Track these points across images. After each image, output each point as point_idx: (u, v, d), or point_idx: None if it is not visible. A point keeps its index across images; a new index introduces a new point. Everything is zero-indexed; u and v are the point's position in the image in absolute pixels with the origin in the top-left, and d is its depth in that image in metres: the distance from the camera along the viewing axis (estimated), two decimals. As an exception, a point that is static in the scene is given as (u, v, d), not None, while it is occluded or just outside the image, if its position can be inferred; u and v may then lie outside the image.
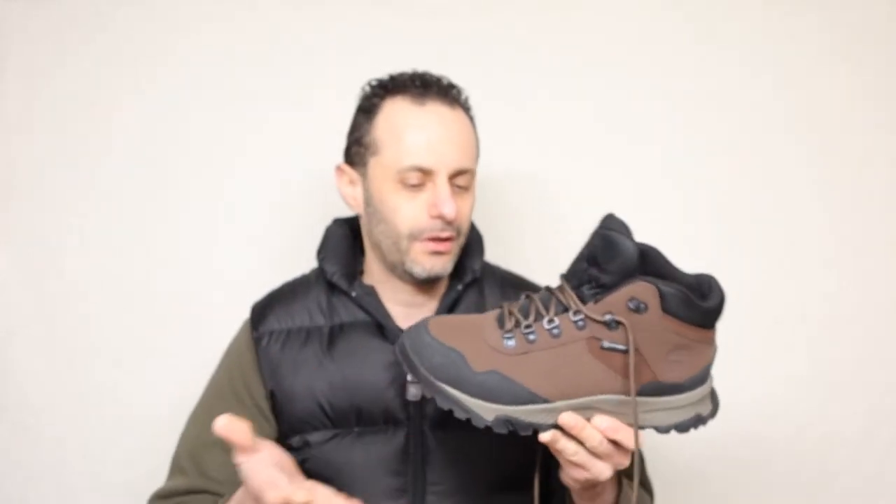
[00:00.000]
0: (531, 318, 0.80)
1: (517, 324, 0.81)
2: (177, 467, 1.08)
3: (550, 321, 0.79)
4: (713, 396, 0.85)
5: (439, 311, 1.08)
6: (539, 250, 1.38)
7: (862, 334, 1.41)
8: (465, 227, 1.05)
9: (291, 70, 1.39)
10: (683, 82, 1.41)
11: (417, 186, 1.01)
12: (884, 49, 1.41)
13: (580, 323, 0.79)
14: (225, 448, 1.04)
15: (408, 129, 1.01)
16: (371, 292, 1.08)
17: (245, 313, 1.14)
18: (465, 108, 1.07)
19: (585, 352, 0.79)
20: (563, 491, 0.97)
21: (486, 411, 0.79)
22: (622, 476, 0.97)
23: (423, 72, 1.07)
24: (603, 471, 0.83)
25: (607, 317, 0.78)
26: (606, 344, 0.78)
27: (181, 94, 1.39)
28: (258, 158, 1.39)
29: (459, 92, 1.07)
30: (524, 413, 0.79)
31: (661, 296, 0.77)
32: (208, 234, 1.39)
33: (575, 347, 0.79)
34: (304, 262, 1.18)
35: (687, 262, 1.39)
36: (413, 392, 1.02)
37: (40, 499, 1.37)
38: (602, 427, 0.80)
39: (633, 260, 0.77)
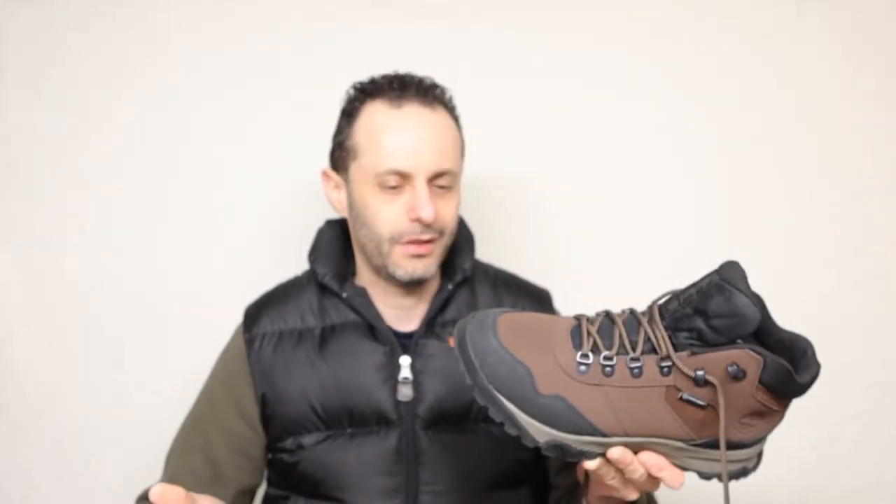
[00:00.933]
0: (614, 348, 0.74)
1: (595, 348, 0.75)
2: (165, 467, 1.10)
3: (634, 360, 0.74)
4: (760, 453, 0.83)
5: (430, 311, 1.08)
6: (532, 250, 1.37)
7: (862, 334, 1.40)
8: (449, 228, 1.05)
9: (289, 71, 1.39)
10: (683, 82, 1.41)
11: (397, 189, 1.01)
12: (884, 49, 1.40)
13: (665, 370, 0.73)
14: (207, 455, 1.06)
15: (385, 132, 1.01)
16: (362, 293, 1.08)
17: (243, 314, 1.14)
18: (448, 108, 1.06)
19: (661, 399, 0.74)
20: (575, 489, 0.97)
21: (540, 434, 0.75)
22: None
23: (405, 73, 1.06)
24: (631, 493, 0.82)
25: (699, 373, 0.72)
26: (686, 396, 0.73)
27: (179, 94, 1.39)
28: (255, 160, 1.40)
29: (442, 92, 1.06)
30: (578, 442, 0.76)
31: (764, 367, 0.72)
32: (207, 234, 1.39)
33: (652, 392, 0.74)
34: (301, 263, 1.18)
35: (687, 262, 1.40)
36: (404, 392, 1.02)
37: (40, 499, 1.37)
38: (649, 464, 0.77)
39: (752, 328, 0.71)
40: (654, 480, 0.79)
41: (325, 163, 1.16)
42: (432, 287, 1.11)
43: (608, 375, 0.74)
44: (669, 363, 0.73)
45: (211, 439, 1.06)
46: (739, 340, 0.72)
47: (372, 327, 1.06)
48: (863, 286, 1.40)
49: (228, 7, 1.39)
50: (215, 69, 1.39)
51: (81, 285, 1.38)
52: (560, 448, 0.75)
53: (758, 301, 0.72)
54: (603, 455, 0.76)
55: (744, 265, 1.43)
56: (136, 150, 1.39)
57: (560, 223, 1.38)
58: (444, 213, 1.04)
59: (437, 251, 1.04)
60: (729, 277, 0.73)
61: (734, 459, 0.78)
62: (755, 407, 0.74)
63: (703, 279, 0.75)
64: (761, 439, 0.79)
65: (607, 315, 0.78)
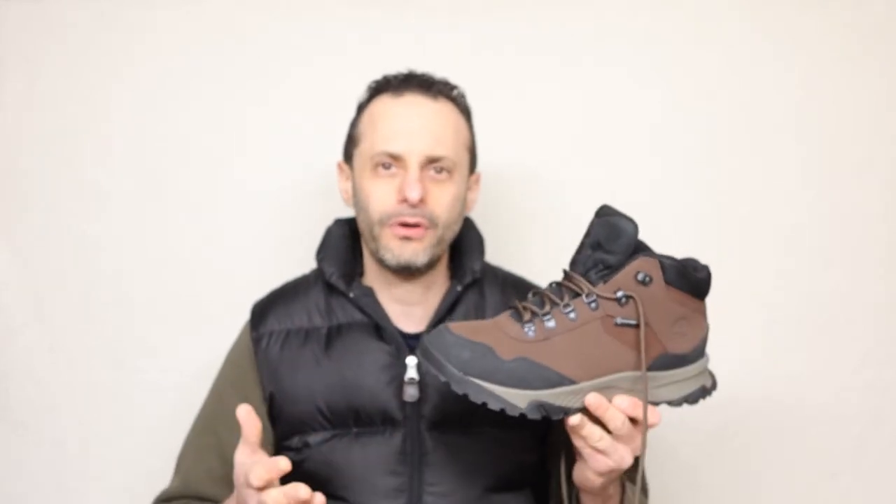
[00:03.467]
0: (547, 307, 0.84)
1: (534, 314, 0.84)
2: (177, 469, 1.10)
3: (566, 306, 0.83)
4: (710, 372, 0.91)
5: (438, 312, 1.08)
6: (541, 252, 1.37)
7: (862, 334, 1.40)
8: (443, 217, 1.05)
9: (294, 70, 1.39)
10: (684, 82, 1.41)
11: (392, 173, 1.04)
12: (884, 49, 1.41)
13: (593, 304, 0.83)
14: (220, 454, 1.05)
15: (382, 118, 1.06)
16: (369, 293, 1.08)
17: (246, 313, 1.14)
18: (454, 102, 1.09)
19: (601, 331, 0.83)
20: (571, 494, 0.97)
21: (519, 398, 0.81)
22: (624, 479, 0.97)
23: (419, 72, 1.09)
24: (624, 456, 0.85)
25: (618, 293, 0.83)
26: (619, 320, 0.83)
27: (181, 94, 1.39)
28: (259, 158, 1.39)
29: (449, 87, 1.09)
30: (554, 397, 0.82)
31: (663, 267, 0.83)
32: (209, 233, 1.39)
33: (591, 328, 0.83)
34: (305, 262, 1.18)
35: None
36: (410, 393, 1.03)
37: (40, 499, 1.37)
38: (623, 406, 0.83)
39: (635, 237, 0.83)
40: (635, 428, 0.84)
41: (332, 160, 1.16)
42: (436, 285, 1.11)
43: (551, 329, 0.83)
44: (593, 297, 0.83)
45: (223, 438, 1.06)
46: (635, 256, 0.83)
47: (379, 327, 1.06)
48: (863, 286, 1.40)
49: (229, 7, 1.39)
50: (217, 68, 1.39)
51: (81, 285, 1.38)
52: (542, 407, 0.82)
53: (631, 220, 0.84)
54: (582, 410, 0.83)
55: (744, 265, 1.45)
56: (137, 149, 1.39)
57: (570, 225, 1.37)
58: (438, 200, 1.04)
59: (428, 239, 1.04)
60: (603, 212, 0.86)
61: (686, 377, 0.87)
62: (677, 311, 0.84)
63: (588, 226, 0.86)
64: (701, 351, 0.88)
65: (535, 293, 0.88)
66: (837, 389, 1.40)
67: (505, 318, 0.86)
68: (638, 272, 0.83)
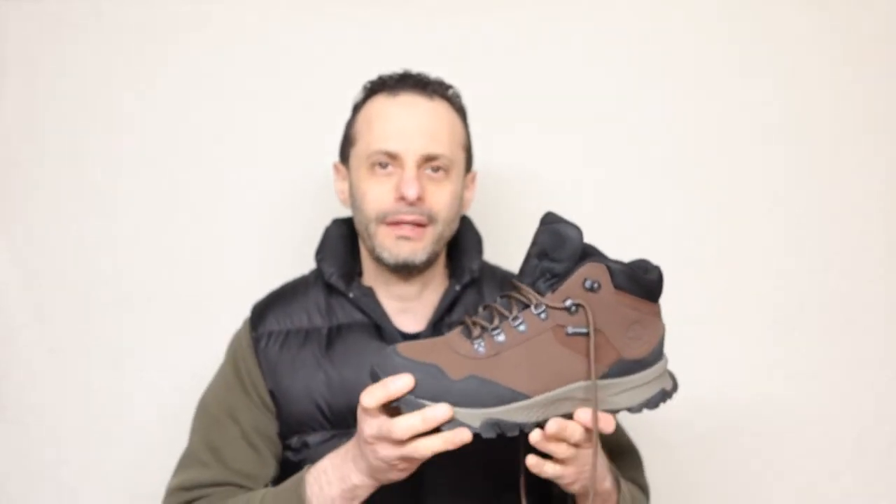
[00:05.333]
0: (496, 321, 0.83)
1: (483, 329, 0.83)
2: (194, 460, 1.07)
3: (515, 318, 0.82)
4: (671, 373, 0.89)
5: (437, 312, 1.08)
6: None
7: (862, 334, 1.40)
8: (441, 215, 1.06)
9: (291, 70, 1.39)
10: (684, 82, 1.41)
11: (388, 172, 1.05)
12: (884, 49, 1.41)
13: (543, 315, 0.82)
14: (248, 442, 1.05)
15: (378, 117, 1.06)
16: (369, 293, 1.08)
17: (245, 313, 1.14)
18: (450, 101, 1.09)
19: (553, 341, 0.81)
20: (565, 496, 0.97)
21: (472, 418, 0.79)
22: (620, 482, 0.98)
23: (414, 72, 1.09)
24: (589, 461, 0.85)
25: (567, 302, 0.81)
26: (571, 329, 0.81)
27: (181, 93, 1.39)
28: (258, 158, 1.39)
29: (444, 86, 1.09)
30: (508, 413, 0.80)
31: (611, 272, 0.82)
32: (208, 234, 1.39)
33: (542, 339, 0.81)
34: (305, 262, 1.18)
35: (687, 261, 1.40)
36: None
37: (40, 499, 1.37)
38: (583, 420, 0.82)
39: (580, 244, 0.82)
40: (588, 442, 0.83)
41: (324, 162, 1.17)
42: (439, 287, 1.11)
43: (501, 343, 0.81)
44: (542, 307, 0.81)
45: (245, 427, 1.06)
46: (581, 263, 0.82)
47: (379, 327, 1.07)
48: (863, 286, 1.40)
49: (229, 7, 1.39)
50: (217, 68, 1.39)
51: (81, 285, 1.38)
52: (496, 425, 0.80)
53: (575, 226, 0.82)
54: (539, 425, 0.82)
55: (745, 264, 1.45)
56: (137, 149, 1.39)
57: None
58: (435, 198, 1.05)
59: (426, 238, 1.05)
60: (547, 220, 0.84)
61: (644, 382, 0.85)
62: (630, 315, 0.83)
63: (534, 235, 0.85)
64: (658, 354, 0.86)
65: (485, 307, 0.86)
66: (837, 389, 1.40)
67: (455, 335, 0.84)
68: (585, 279, 0.81)
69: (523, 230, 1.38)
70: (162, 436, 1.28)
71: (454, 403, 0.79)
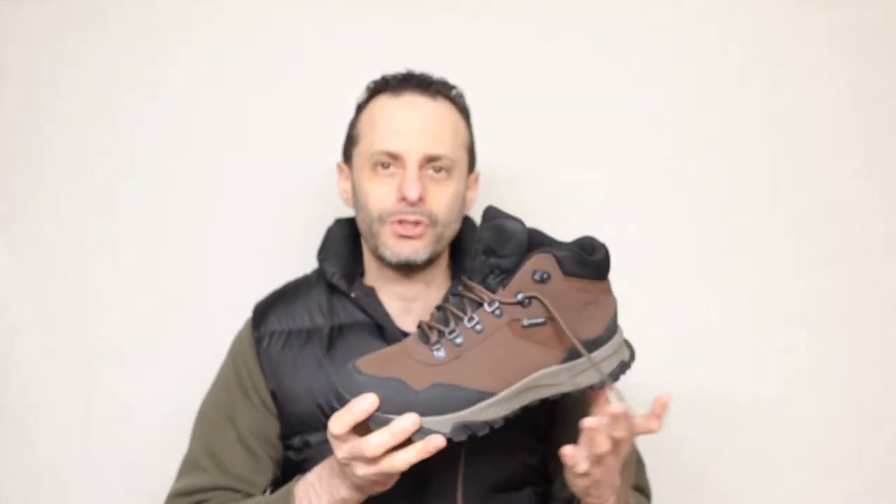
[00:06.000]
0: (451, 323, 0.83)
1: (440, 333, 0.83)
2: (194, 465, 1.08)
3: (471, 319, 0.83)
4: (627, 343, 0.91)
5: None
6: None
7: (862, 334, 1.40)
8: (442, 216, 1.06)
9: (292, 70, 1.39)
10: (684, 82, 1.41)
11: (390, 172, 1.05)
12: (884, 49, 1.41)
13: (497, 312, 0.82)
14: (246, 446, 1.05)
15: (381, 118, 1.06)
16: (371, 293, 1.09)
17: (246, 313, 1.14)
18: (453, 101, 1.10)
19: (510, 336, 0.82)
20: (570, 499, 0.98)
21: (441, 425, 0.80)
22: (628, 489, 0.99)
23: (417, 72, 1.10)
24: (611, 463, 0.85)
25: (519, 296, 0.82)
26: (526, 322, 0.82)
27: (181, 93, 1.39)
28: (259, 158, 1.39)
29: (447, 87, 1.10)
30: (476, 413, 0.81)
31: (559, 261, 0.82)
32: (209, 233, 1.39)
33: (500, 336, 0.82)
34: (306, 262, 1.18)
35: (687, 261, 1.40)
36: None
37: (40, 499, 1.37)
38: (615, 411, 0.81)
39: (525, 237, 0.83)
40: (617, 449, 0.83)
41: (333, 161, 1.16)
42: (441, 287, 1.11)
43: (460, 345, 0.82)
44: (495, 304, 0.82)
45: (243, 431, 1.06)
46: (528, 256, 0.82)
47: (380, 327, 1.07)
48: (863, 286, 1.40)
49: (230, 6, 1.39)
50: (217, 68, 1.39)
51: (81, 285, 1.38)
52: (466, 427, 0.81)
53: (517, 219, 0.83)
54: (507, 420, 0.83)
55: (744, 265, 1.45)
56: (137, 149, 1.39)
57: (569, 222, 1.37)
58: (437, 198, 1.05)
59: (428, 237, 1.05)
60: (488, 215, 0.85)
61: (604, 357, 0.87)
62: (581, 298, 0.84)
63: (478, 232, 0.85)
64: (612, 328, 0.88)
65: (438, 308, 0.86)
66: (837, 389, 1.40)
67: (413, 342, 0.85)
68: (535, 271, 0.82)
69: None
70: (162, 436, 1.28)
71: (421, 413, 0.80)
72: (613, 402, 0.83)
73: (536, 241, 0.86)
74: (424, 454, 0.80)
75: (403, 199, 1.03)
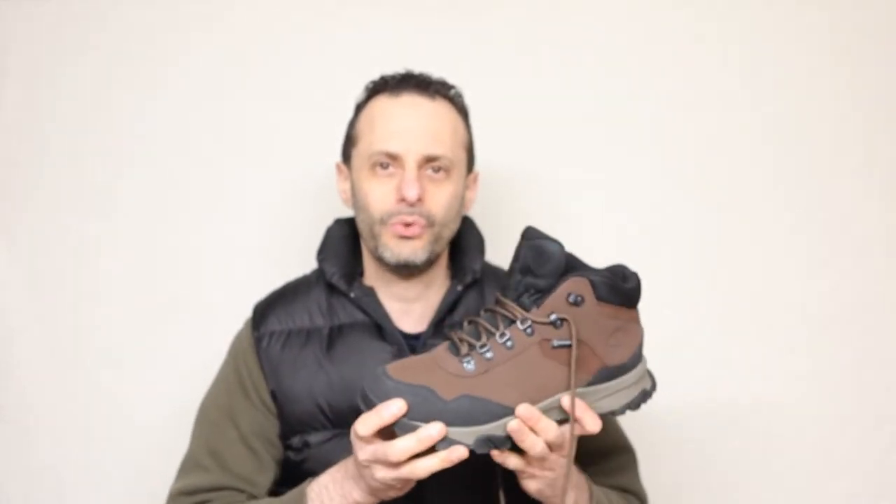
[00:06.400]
0: (483, 338, 0.85)
1: (471, 347, 0.85)
2: (195, 465, 1.07)
3: (502, 335, 0.84)
4: (649, 372, 0.93)
5: (439, 312, 1.08)
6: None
7: (862, 334, 1.40)
8: (441, 216, 1.06)
9: (292, 70, 1.39)
10: (684, 83, 1.41)
11: (390, 172, 1.05)
12: (884, 49, 1.41)
13: (528, 330, 0.84)
14: (247, 445, 1.05)
15: (380, 118, 1.06)
16: (370, 293, 1.08)
17: (246, 313, 1.14)
18: (452, 101, 1.09)
19: (539, 355, 0.84)
20: None
21: (466, 436, 0.82)
22: (592, 486, 0.98)
23: (416, 72, 1.09)
24: (559, 462, 0.86)
25: (552, 317, 0.84)
26: (556, 342, 0.84)
27: (181, 94, 1.39)
28: (259, 158, 1.39)
29: (446, 87, 1.10)
30: (500, 428, 0.83)
31: (593, 285, 0.84)
32: (209, 234, 1.39)
33: (529, 354, 0.84)
34: (306, 262, 1.18)
35: (687, 261, 1.40)
36: None
37: (40, 499, 1.37)
38: (567, 407, 0.84)
39: (563, 259, 0.84)
40: (561, 447, 0.85)
41: (332, 161, 1.16)
42: (440, 288, 1.11)
43: (490, 360, 0.84)
44: (528, 322, 0.84)
45: (244, 430, 1.06)
46: (565, 278, 0.84)
47: (380, 327, 1.07)
48: (863, 286, 1.40)
49: (229, 7, 1.39)
50: (216, 68, 1.39)
51: (81, 285, 1.38)
52: (489, 441, 0.82)
53: (556, 241, 0.85)
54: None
55: (744, 265, 1.45)
56: (137, 149, 1.39)
57: (569, 222, 1.38)
58: (436, 198, 1.05)
59: (427, 238, 1.05)
60: (528, 235, 0.86)
61: (627, 385, 0.88)
62: (611, 325, 0.86)
63: (515, 250, 0.86)
64: (638, 357, 0.89)
65: (469, 322, 0.88)
66: (837, 389, 1.40)
67: (442, 352, 0.86)
68: (569, 293, 0.83)
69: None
70: (162, 436, 1.28)
71: (448, 423, 0.81)
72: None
73: (570, 265, 0.87)
74: (447, 464, 0.81)
75: (402, 199, 1.03)
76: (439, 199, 1.05)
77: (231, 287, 1.35)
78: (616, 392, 0.88)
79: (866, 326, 1.40)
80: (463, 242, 1.14)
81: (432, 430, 0.80)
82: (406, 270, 1.07)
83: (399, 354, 1.05)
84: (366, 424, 0.82)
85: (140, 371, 1.38)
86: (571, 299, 0.83)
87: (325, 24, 1.40)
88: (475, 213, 1.20)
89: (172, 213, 1.39)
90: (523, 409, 0.82)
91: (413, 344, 1.06)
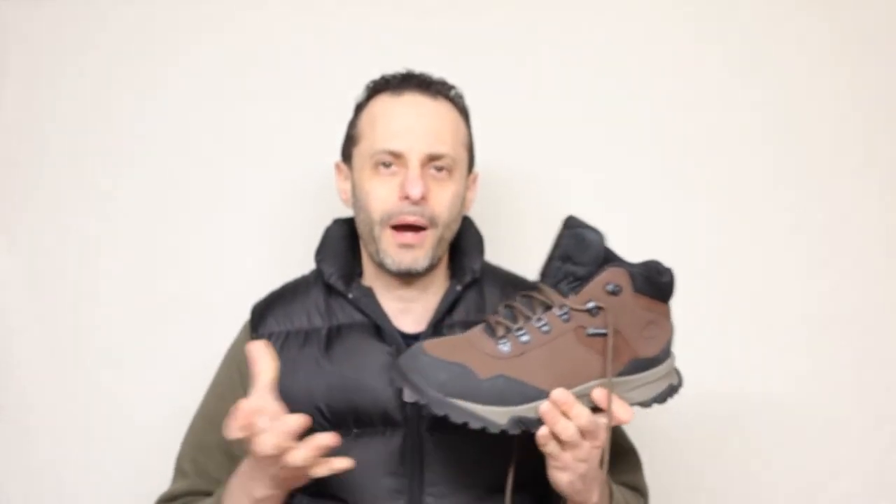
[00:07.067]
0: (520, 321, 0.86)
1: (507, 329, 0.86)
2: (179, 470, 1.09)
3: (539, 319, 0.86)
4: (676, 370, 0.95)
5: (438, 312, 1.08)
6: (540, 252, 1.37)
7: (862, 334, 1.40)
8: (443, 217, 1.05)
9: (291, 70, 1.39)
10: (684, 83, 1.41)
11: (392, 171, 1.04)
12: (884, 49, 1.41)
13: (565, 316, 0.86)
14: (225, 451, 1.05)
15: (382, 117, 1.06)
16: (369, 294, 1.08)
17: (246, 313, 1.14)
18: (453, 101, 1.09)
19: (574, 342, 0.86)
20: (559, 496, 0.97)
21: (499, 416, 0.84)
22: (612, 484, 0.99)
23: (417, 72, 1.09)
24: (591, 453, 0.87)
25: (589, 304, 0.85)
26: (591, 330, 0.86)
27: (181, 94, 1.39)
28: (258, 158, 1.39)
29: (447, 87, 1.09)
30: (533, 410, 0.85)
31: (632, 276, 0.86)
32: (209, 234, 1.39)
33: (564, 340, 0.86)
34: (305, 262, 1.18)
35: (687, 261, 1.39)
36: (410, 394, 1.02)
37: (40, 499, 1.37)
38: (597, 397, 0.86)
39: (603, 248, 0.86)
40: (599, 424, 0.86)
41: (331, 161, 1.16)
42: (440, 288, 1.11)
43: (526, 343, 0.85)
44: (565, 309, 0.86)
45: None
46: (604, 268, 0.86)
47: (378, 328, 1.06)
48: (863, 286, 1.40)
49: (229, 7, 1.39)
50: (216, 68, 1.39)
51: (81, 285, 1.38)
52: (522, 422, 0.84)
53: (597, 231, 0.87)
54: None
55: (744, 265, 1.45)
56: (137, 149, 1.39)
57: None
58: (438, 198, 1.04)
59: (428, 243, 1.05)
60: (570, 223, 0.88)
61: (655, 378, 0.90)
62: (646, 317, 0.87)
63: (555, 238, 0.88)
64: (667, 352, 0.91)
65: (505, 305, 0.89)
66: (837, 389, 1.40)
67: (478, 334, 0.88)
68: (608, 283, 0.85)
69: (523, 230, 1.39)
70: (162, 436, 1.27)
71: (482, 402, 0.83)
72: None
73: (606, 256, 0.88)
74: (315, 451, 0.84)
75: (406, 197, 1.02)
76: (442, 198, 1.05)
77: (231, 287, 1.35)
78: (645, 384, 0.89)
79: (866, 326, 1.40)
80: (462, 242, 1.14)
81: (292, 422, 0.82)
82: (408, 276, 1.06)
83: (398, 355, 1.04)
84: (270, 445, 0.84)
85: (140, 371, 1.38)
86: (609, 288, 0.85)
87: (325, 24, 1.40)
88: (474, 213, 1.19)
89: (172, 213, 1.39)
90: (559, 392, 0.84)
91: (412, 344, 1.06)
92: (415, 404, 1.02)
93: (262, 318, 1.10)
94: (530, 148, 1.40)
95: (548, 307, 0.86)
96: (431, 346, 0.86)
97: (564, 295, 0.86)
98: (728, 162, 1.41)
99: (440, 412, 0.83)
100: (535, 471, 1.07)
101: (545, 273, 0.88)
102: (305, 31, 1.40)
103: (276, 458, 0.85)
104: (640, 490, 1.11)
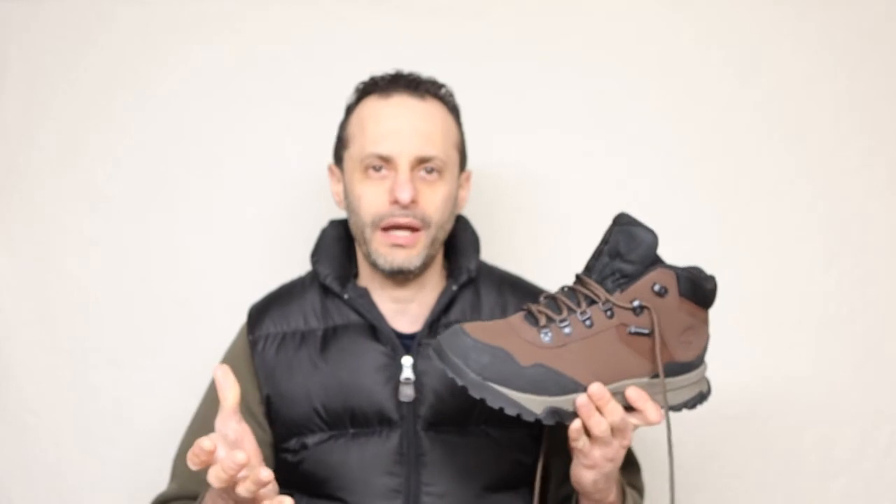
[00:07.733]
0: (563, 313, 0.86)
1: (549, 319, 0.86)
2: (173, 474, 1.10)
3: (583, 313, 0.85)
4: (706, 377, 0.94)
5: (433, 312, 1.08)
6: (536, 251, 1.37)
7: (862, 334, 1.40)
8: (435, 218, 1.05)
9: (290, 71, 1.39)
10: (683, 83, 1.41)
11: (382, 174, 1.04)
12: (884, 49, 1.41)
13: (609, 312, 0.85)
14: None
15: (371, 120, 1.06)
16: (364, 294, 1.08)
17: (244, 314, 1.14)
18: (442, 101, 1.09)
19: (615, 338, 0.85)
20: (572, 495, 0.98)
21: (536, 404, 0.83)
22: (624, 483, 0.99)
23: (406, 72, 1.09)
24: (619, 450, 0.87)
25: (635, 303, 0.85)
26: (633, 329, 0.85)
27: (180, 94, 1.39)
28: (256, 160, 1.40)
29: (437, 86, 1.09)
30: (569, 402, 0.84)
31: (679, 279, 0.85)
32: (207, 235, 1.39)
33: (606, 335, 0.85)
34: (302, 263, 1.18)
35: (686, 261, 1.39)
36: (406, 393, 1.03)
37: (40, 499, 1.37)
38: (631, 396, 0.86)
39: (654, 248, 0.86)
40: (628, 423, 0.86)
41: (322, 164, 1.16)
42: (435, 287, 1.11)
43: (568, 335, 0.85)
44: (609, 305, 0.85)
45: None
46: (652, 268, 0.85)
47: (374, 328, 1.07)
48: (863, 286, 1.40)
49: (228, 7, 1.39)
50: (215, 69, 1.39)
51: (81, 285, 1.38)
52: (556, 413, 0.84)
53: (650, 229, 0.86)
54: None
55: (744, 265, 1.45)
56: (136, 150, 1.39)
57: (566, 224, 1.38)
58: (429, 200, 1.05)
59: (420, 243, 1.05)
60: (622, 220, 0.87)
61: (688, 384, 0.90)
62: (686, 321, 0.87)
63: (605, 234, 0.88)
64: (701, 359, 0.91)
65: (547, 296, 0.89)
66: (837, 389, 1.40)
67: (519, 321, 0.87)
68: (655, 283, 0.84)
69: (520, 230, 1.39)
70: (162, 436, 1.27)
71: (521, 389, 0.83)
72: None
73: (656, 259, 0.88)
74: (257, 486, 0.80)
75: (395, 201, 1.02)
76: (433, 200, 1.05)
77: (231, 287, 1.35)
78: (677, 389, 0.89)
79: (867, 326, 1.40)
80: (458, 242, 1.14)
81: (236, 458, 0.78)
82: (401, 276, 1.06)
83: (394, 355, 1.05)
84: (215, 477, 0.80)
85: (139, 371, 1.38)
86: (656, 289, 0.84)
87: (325, 25, 1.40)
88: (470, 213, 1.20)
89: (171, 213, 1.39)
90: (596, 387, 0.84)
91: (408, 344, 1.06)
92: (410, 404, 1.03)
93: (259, 319, 1.11)
94: (527, 148, 1.40)
95: (592, 301, 0.85)
96: (472, 327, 0.86)
97: (610, 291, 0.85)
98: (728, 162, 1.41)
99: (477, 395, 0.83)
100: (532, 470, 1.08)
101: (591, 267, 0.88)
102: (306, 32, 1.40)
103: (228, 488, 0.82)
104: (640, 490, 1.12)
